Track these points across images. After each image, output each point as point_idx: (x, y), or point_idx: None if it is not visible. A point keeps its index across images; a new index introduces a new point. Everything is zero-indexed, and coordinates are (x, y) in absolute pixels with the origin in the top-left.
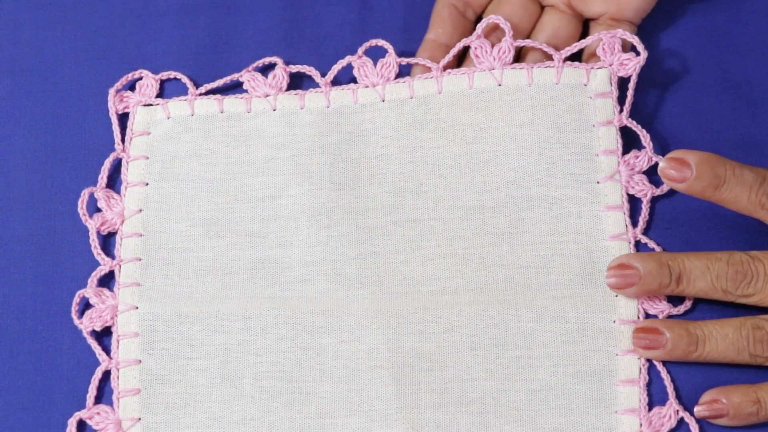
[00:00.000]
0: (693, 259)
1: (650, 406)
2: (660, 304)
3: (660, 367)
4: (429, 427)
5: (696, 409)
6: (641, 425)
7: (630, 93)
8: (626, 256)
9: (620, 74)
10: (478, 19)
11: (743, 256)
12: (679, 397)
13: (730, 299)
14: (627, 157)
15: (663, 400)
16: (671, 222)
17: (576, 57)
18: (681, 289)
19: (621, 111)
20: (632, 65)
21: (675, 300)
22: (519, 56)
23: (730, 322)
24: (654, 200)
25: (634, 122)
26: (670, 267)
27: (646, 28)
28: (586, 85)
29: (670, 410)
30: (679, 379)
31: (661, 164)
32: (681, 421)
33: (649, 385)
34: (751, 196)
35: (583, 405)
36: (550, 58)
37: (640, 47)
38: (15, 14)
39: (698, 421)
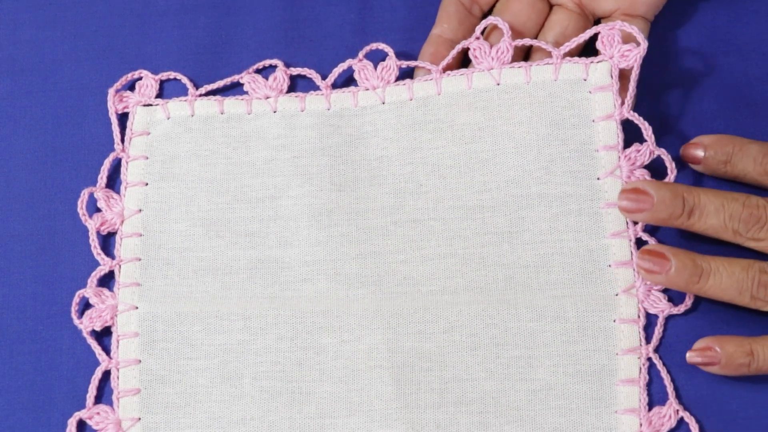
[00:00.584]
0: (709, 195)
1: (650, 405)
2: (660, 303)
3: (660, 366)
4: (429, 427)
5: (688, 354)
6: (641, 425)
7: (632, 85)
8: (642, 182)
9: (621, 66)
10: (486, 15)
11: (760, 200)
12: (679, 397)
13: (738, 241)
14: (628, 151)
15: (663, 400)
16: None
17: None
18: (691, 223)
19: (622, 104)
20: (633, 56)
21: (675, 299)
22: (528, 56)
23: (738, 262)
24: None
25: (636, 114)
26: (684, 198)
27: None
28: (585, 80)
29: (670, 410)
30: (679, 378)
31: (681, 150)
32: (681, 421)
33: (649, 384)
34: (756, 166)
35: (583, 405)
36: (552, 54)
37: (639, 38)
38: (15, 14)
39: (698, 420)
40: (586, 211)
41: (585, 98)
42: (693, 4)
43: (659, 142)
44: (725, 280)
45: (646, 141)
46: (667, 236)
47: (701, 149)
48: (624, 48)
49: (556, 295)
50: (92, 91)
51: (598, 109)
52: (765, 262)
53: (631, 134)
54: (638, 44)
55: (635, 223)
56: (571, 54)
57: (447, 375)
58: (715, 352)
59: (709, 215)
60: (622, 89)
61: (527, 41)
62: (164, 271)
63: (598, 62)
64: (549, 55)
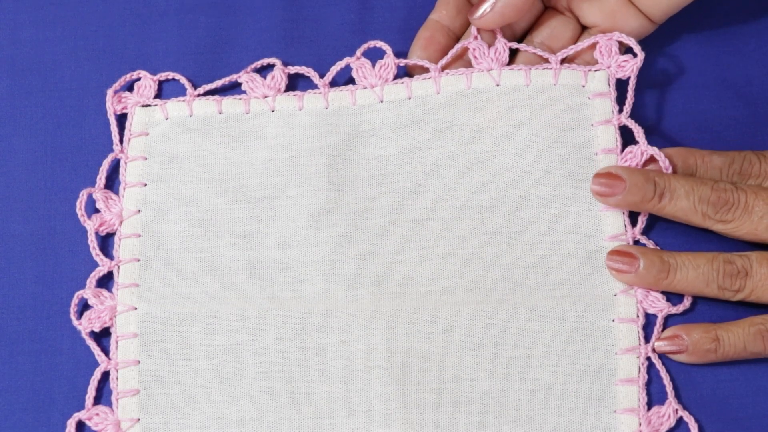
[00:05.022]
0: (680, 179)
1: (649, 405)
2: (659, 303)
3: (659, 366)
4: (428, 427)
5: (656, 344)
6: (640, 424)
7: (630, 94)
8: (615, 167)
9: (618, 76)
10: None
11: (727, 184)
12: (678, 396)
13: (707, 224)
14: (623, 154)
15: (662, 400)
16: (671, 222)
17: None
18: (662, 205)
19: (620, 111)
20: (630, 67)
21: (674, 299)
22: (513, 53)
23: (703, 255)
24: None
25: (632, 121)
26: (656, 182)
27: None
28: (584, 87)
29: (669, 409)
30: (678, 378)
31: (649, 149)
32: (680, 421)
33: (648, 384)
34: (723, 178)
35: (582, 404)
36: (543, 59)
37: (637, 49)
38: (15, 14)
39: (697, 420)
40: (584, 214)
41: (584, 103)
42: (691, 5)
43: (659, 143)
44: (691, 273)
45: (638, 143)
46: (665, 237)
47: (661, 164)
48: (621, 59)
49: (555, 295)
50: (92, 92)
51: (597, 114)
52: (729, 253)
53: (630, 137)
54: (635, 55)
55: (633, 225)
56: (570, 60)
57: (446, 375)
58: (682, 340)
59: (680, 198)
60: None
61: (522, 46)
62: (163, 271)
63: (596, 71)
64: (538, 57)
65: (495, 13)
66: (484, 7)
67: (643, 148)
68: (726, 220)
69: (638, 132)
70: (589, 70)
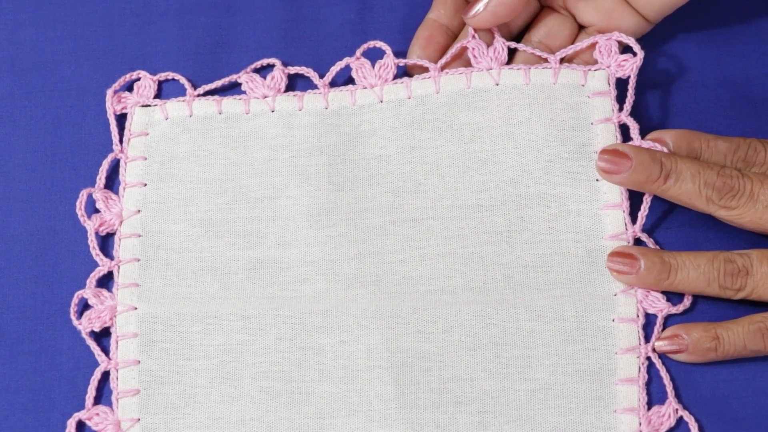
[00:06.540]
0: (686, 161)
1: (649, 405)
2: (659, 303)
3: (659, 365)
4: (428, 427)
5: (657, 343)
6: (640, 424)
7: (630, 93)
8: (622, 144)
9: (618, 75)
10: None
11: (734, 171)
12: (678, 396)
13: (710, 209)
14: None
15: (662, 399)
16: (671, 222)
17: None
18: (667, 187)
19: (620, 109)
20: (629, 66)
21: (674, 299)
22: (511, 53)
23: (703, 254)
24: (654, 198)
25: (632, 119)
26: (662, 163)
27: None
28: (583, 86)
29: (669, 409)
30: (678, 378)
31: (643, 143)
32: (680, 420)
33: (648, 384)
34: (727, 163)
35: (582, 404)
36: (542, 59)
37: (636, 48)
38: (15, 14)
39: (697, 420)
40: (584, 212)
41: (584, 102)
42: (691, 4)
43: None
44: (692, 273)
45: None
46: (664, 237)
47: (665, 146)
48: (621, 58)
49: (555, 295)
50: (92, 92)
51: (597, 112)
52: (729, 252)
53: (629, 136)
54: (635, 54)
55: (633, 223)
56: (568, 59)
57: (446, 375)
58: (681, 339)
59: (685, 181)
60: None
61: (520, 45)
62: (163, 271)
63: (595, 70)
64: (536, 56)
65: (488, 13)
66: (478, 7)
67: (636, 144)
68: (730, 206)
69: (634, 128)
70: (589, 70)
